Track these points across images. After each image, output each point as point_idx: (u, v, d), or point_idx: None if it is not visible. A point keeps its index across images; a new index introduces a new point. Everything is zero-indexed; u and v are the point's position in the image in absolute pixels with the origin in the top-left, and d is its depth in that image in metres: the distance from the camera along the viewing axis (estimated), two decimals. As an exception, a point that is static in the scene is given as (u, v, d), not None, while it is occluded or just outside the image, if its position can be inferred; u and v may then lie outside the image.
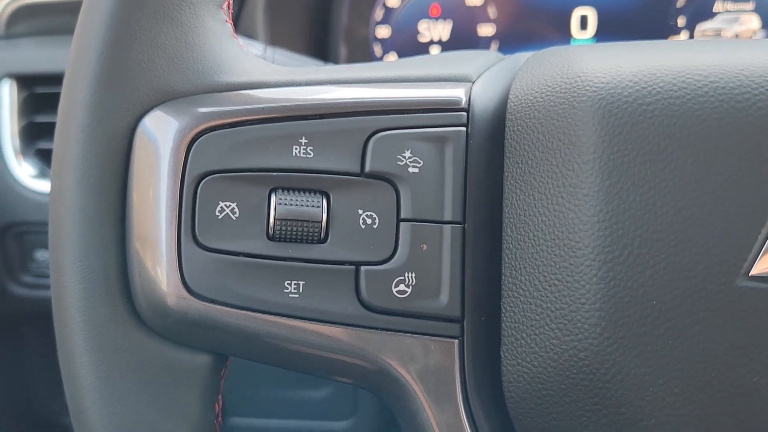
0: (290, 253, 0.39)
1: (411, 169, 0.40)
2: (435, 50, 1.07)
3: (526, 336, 0.39)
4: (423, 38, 1.07)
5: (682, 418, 0.37)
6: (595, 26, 1.05)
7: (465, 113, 0.41)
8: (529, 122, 0.40)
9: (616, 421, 0.37)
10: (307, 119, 0.40)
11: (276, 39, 0.88)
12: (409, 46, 1.07)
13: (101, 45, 0.39)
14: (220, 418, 0.42)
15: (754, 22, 1.04)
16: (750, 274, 0.36)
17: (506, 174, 0.41)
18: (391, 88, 0.42)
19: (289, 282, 0.39)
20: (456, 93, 0.42)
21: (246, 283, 0.39)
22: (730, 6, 1.04)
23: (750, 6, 1.04)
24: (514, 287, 0.40)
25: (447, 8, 1.06)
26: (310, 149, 0.40)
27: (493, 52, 0.50)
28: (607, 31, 1.05)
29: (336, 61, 1.03)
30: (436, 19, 1.06)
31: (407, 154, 0.40)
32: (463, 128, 0.41)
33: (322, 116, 0.40)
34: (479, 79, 0.44)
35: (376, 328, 0.40)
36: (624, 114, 0.38)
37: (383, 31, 1.07)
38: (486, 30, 1.06)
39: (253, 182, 0.39)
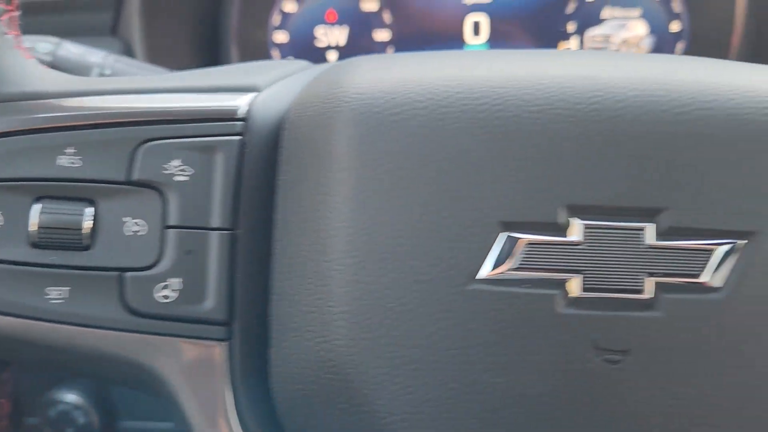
0: (53, 260, 0.40)
1: (179, 178, 0.41)
2: (332, 55, 1.08)
3: (289, 339, 0.40)
4: (320, 43, 1.08)
5: (419, 416, 0.38)
6: (487, 32, 1.07)
7: (241, 123, 0.43)
8: (299, 132, 0.42)
9: (361, 420, 0.39)
10: (77, 129, 0.41)
11: (157, 44, 0.89)
12: (307, 51, 1.08)
13: None
14: (2, 421, 0.43)
15: (640, 28, 1.07)
16: (476, 277, 0.37)
17: (278, 182, 0.42)
18: (166, 98, 0.43)
19: (52, 288, 0.40)
20: (234, 103, 0.43)
21: (9, 290, 0.40)
22: (617, 12, 1.06)
23: (637, 13, 1.06)
24: (280, 291, 0.41)
25: (343, 14, 1.08)
26: (78, 158, 0.41)
27: (301, 62, 0.52)
28: (499, 37, 1.07)
29: (228, 66, 1.04)
30: (333, 24, 1.08)
31: (176, 162, 0.41)
32: (237, 137, 0.42)
33: (93, 126, 0.41)
34: (268, 89, 0.45)
35: (142, 332, 0.41)
36: (372, 125, 0.39)
37: (281, 36, 1.08)
38: (382, 35, 1.08)
39: (18, 191, 0.40)
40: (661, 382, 0.37)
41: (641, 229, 0.37)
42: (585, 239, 0.37)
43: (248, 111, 0.43)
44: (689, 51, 1.06)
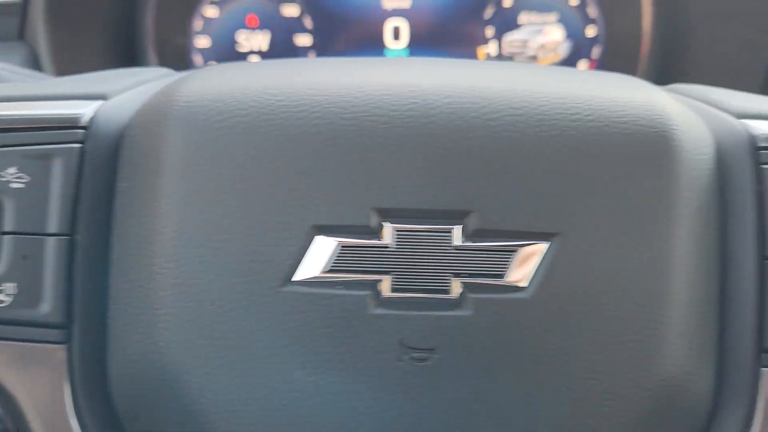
0: None
1: (15, 185, 0.42)
2: (255, 60, 1.09)
3: (123, 341, 0.41)
4: (242, 48, 1.09)
5: (239, 414, 0.39)
6: (408, 37, 1.09)
7: (82, 131, 0.43)
8: (135, 140, 0.43)
9: (188, 419, 0.40)
10: None
11: (65, 49, 0.89)
12: (229, 56, 1.09)
13: None
14: None
15: (557, 33, 1.09)
16: (292, 280, 0.39)
17: (117, 188, 0.43)
18: (9, 105, 0.44)
19: None
20: (77, 111, 0.44)
21: None
22: (534, 18, 1.08)
23: (553, 18, 1.08)
24: (115, 295, 0.42)
25: (264, 19, 1.09)
26: None
27: (161, 70, 0.53)
28: (419, 42, 1.09)
29: (147, 71, 1.04)
30: (254, 29, 1.09)
31: (11, 170, 0.42)
32: (77, 145, 0.43)
33: None
34: (116, 97, 0.46)
35: None
36: (197, 133, 0.40)
37: (203, 41, 1.09)
38: (303, 40, 1.09)
39: None
40: (468, 378, 0.38)
41: (448, 232, 0.39)
42: (395, 241, 0.39)
43: (91, 119, 0.44)
44: (606, 55, 1.08)
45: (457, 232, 0.39)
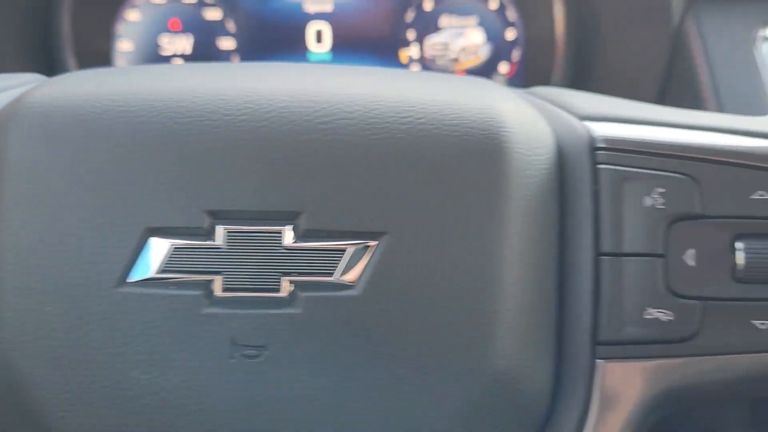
0: None
1: None
2: (178, 63, 1.09)
3: None
4: (165, 52, 1.09)
5: (78, 412, 0.40)
6: (330, 40, 1.10)
7: None
8: None
9: (29, 420, 0.41)
10: None
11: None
12: (152, 59, 1.09)
13: None
14: None
15: (477, 36, 1.11)
16: (126, 281, 0.40)
17: None
18: None
19: None
20: None
21: None
22: (455, 21, 1.10)
23: (473, 21, 1.10)
24: None
25: (187, 22, 1.09)
26: None
27: (34, 76, 0.53)
28: (342, 45, 1.10)
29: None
30: (177, 33, 1.09)
31: None
32: None
33: None
34: None
35: None
36: (36, 137, 0.41)
37: (126, 45, 1.09)
38: (227, 44, 1.09)
39: None
40: (299, 374, 0.40)
41: (279, 232, 0.40)
42: (226, 242, 0.40)
43: None
44: (525, 58, 1.10)
45: (287, 232, 0.40)
